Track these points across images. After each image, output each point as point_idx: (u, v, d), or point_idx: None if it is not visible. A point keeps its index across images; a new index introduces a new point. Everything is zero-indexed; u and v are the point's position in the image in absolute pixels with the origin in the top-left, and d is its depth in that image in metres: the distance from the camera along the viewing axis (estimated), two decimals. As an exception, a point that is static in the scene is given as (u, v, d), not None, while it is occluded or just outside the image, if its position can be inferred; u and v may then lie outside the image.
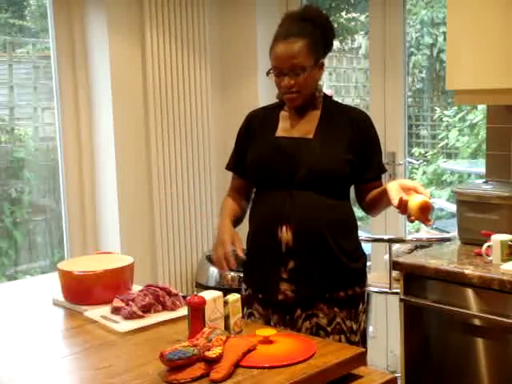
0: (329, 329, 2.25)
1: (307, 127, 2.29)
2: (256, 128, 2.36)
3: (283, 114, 2.35)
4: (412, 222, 2.10)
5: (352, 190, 2.38)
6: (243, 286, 2.41)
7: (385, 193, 2.15)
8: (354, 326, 2.30)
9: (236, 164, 2.42)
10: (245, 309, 2.35)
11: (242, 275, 2.43)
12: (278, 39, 2.23)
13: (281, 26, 2.29)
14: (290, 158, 2.24)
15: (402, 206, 2.04)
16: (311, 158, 2.23)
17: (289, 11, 2.41)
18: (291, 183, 2.23)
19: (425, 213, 2.03)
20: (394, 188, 2.10)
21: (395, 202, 2.06)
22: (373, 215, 2.47)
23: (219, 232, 2.31)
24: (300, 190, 2.22)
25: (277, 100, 2.40)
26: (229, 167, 2.48)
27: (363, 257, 2.36)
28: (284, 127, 2.32)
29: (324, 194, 2.24)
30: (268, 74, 2.27)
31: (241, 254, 2.21)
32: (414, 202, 2.03)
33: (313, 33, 2.22)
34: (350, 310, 2.28)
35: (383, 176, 2.41)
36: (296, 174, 2.22)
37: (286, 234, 2.22)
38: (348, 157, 2.26)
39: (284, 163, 2.24)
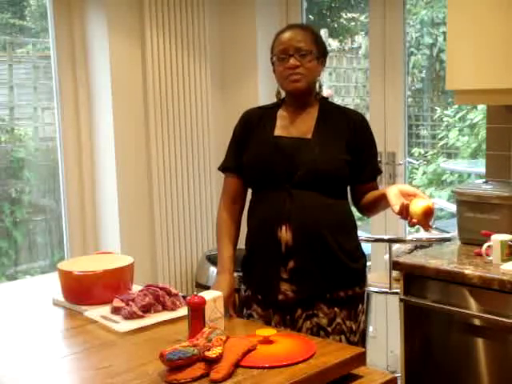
0: (329, 329, 2.25)
1: (305, 127, 2.30)
2: (253, 127, 2.35)
3: (280, 113, 2.35)
4: (413, 225, 2.08)
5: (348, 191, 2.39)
6: (242, 286, 2.39)
7: (383, 197, 2.15)
8: (354, 326, 2.30)
9: (235, 164, 2.38)
10: (244, 310, 2.36)
11: (241, 275, 2.43)
12: (284, 30, 2.32)
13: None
14: (289, 157, 2.24)
15: (404, 211, 2.04)
16: (310, 157, 2.23)
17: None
18: (290, 183, 2.23)
19: (427, 217, 2.03)
20: (393, 193, 2.10)
21: (396, 208, 2.06)
22: (368, 216, 2.48)
23: (218, 283, 2.28)
24: (299, 189, 2.22)
25: (274, 101, 2.40)
26: (227, 169, 2.42)
27: (363, 257, 2.36)
28: (282, 126, 2.32)
29: (323, 193, 2.24)
30: (272, 60, 2.30)
31: (231, 314, 2.20)
32: (419, 205, 2.02)
33: (315, 33, 2.31)
34: (349, 310, 2.28)
35: (382, 175, 2.41)
36: (295, 174, 2.22)
37: (285, 233, 2.22)
38: (346, 157, 2.26)
39: (283, 163, 2.24)
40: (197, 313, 1.86)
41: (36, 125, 4.02)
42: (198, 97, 3.98)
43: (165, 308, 2.16)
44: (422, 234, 3.26)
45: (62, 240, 3.88)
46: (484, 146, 3.26)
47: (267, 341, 1.82)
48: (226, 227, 2.38)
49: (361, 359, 1.83)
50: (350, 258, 2.28)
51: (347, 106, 2.62)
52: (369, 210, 2.38)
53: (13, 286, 2.89)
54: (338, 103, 2.51)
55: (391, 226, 3.70)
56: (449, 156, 5.02)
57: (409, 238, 3.30)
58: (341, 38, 4.94)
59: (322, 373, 1.71)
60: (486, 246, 2.56)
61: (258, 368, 1.70)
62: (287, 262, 2.23)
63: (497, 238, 2.53)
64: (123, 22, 3.67)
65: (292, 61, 2.23)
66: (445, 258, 2.64)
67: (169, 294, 2.19)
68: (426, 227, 2.06)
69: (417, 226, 2.13)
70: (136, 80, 3.75)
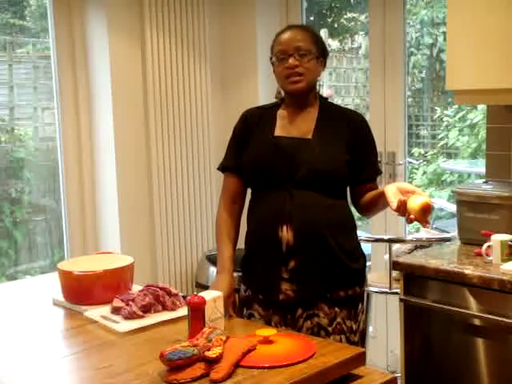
0: (329, 329, 2.26)
1: (305, 127, 2.30)
2: (253, 127, 2.35)
3: (280, 113, 2.35)
4: (411, 222, 2.08)
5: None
6: (242, 286, 2.39)
7: (382, 195, 2.15)
8: (354, 326, 2.30)
9: (235, 164, 2.38)
10: (244, 310, 2.36)
11: (241, 275, 2.42)
12: (283, 30, 2.32)
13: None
14: (290, 157, 2.24)
15: (402, 208, 2.04)
16: (311, 157, 2.23)
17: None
18: (291, 183, 2.23)
19: (425, 214, 2.03)
20: (391, 191, 2.09)
21: (394, 205, 2.06)
22: (368, 217, 2.47)
23: (218, 283, 2.26)
24: (299, 189, 2.22)
25: (274, 101, 2.40)
26: (226, 168, 2.41)
27: (363, 257, 2.36)
28: (282, 126, 2.33)
29: (323, 193, 2.24)
30: (271, 60, 2.30)
31: (231, 314, 2.20)
32: (417, 202, 2.02)
33: (314, 33, 2.32)
34: (349, 310, 2.28)
35: (381, 176, 2.41)
36: (296, 174, 2.22)
37: (286, 233, 2.22)
38: (346, 157, 2.26)
39: (284, 163, 2.24)
40: (197, 313, 1.86)
41: (36, 125, 4.03)
42: (198, 97, 3.98)
43: (165, 308, 2.16)
44: (422, 234, 3.26)
45: (62, 240, 3.89)
46: (484, 146, 3.26)
47: (267, 341, 1.82)
48: (226, 227, 2.38)
49: (361, 359, 1.83)
50: (350, 257, 2.28)
51: (347, 106, 2.63)
52: (368, 209, 2.37)
53: (13, 285, 2.89)
54: (338, 103, 2.51)
55: (391, 226, 3.70)
56: (449, 156, 5.01)
57: (409, 237, 3.30)
58: (341, 38, 4.94)
59: (321, 373, 1.71)
60: (486, 245, 2.56)
61: (258, 368, 1.70)
62: (288, 262, 2.23)
63: (497, 238, 2.53)
64: (123, 22, 3.67)
65: (291, 60, 2.23)
66: (445, 258, 2.64)
67: (169, 294, 2.19)
68: (424, 224, 2.06)
69: (416, 226, 2.13)
70: (136, 80, 3.75)
